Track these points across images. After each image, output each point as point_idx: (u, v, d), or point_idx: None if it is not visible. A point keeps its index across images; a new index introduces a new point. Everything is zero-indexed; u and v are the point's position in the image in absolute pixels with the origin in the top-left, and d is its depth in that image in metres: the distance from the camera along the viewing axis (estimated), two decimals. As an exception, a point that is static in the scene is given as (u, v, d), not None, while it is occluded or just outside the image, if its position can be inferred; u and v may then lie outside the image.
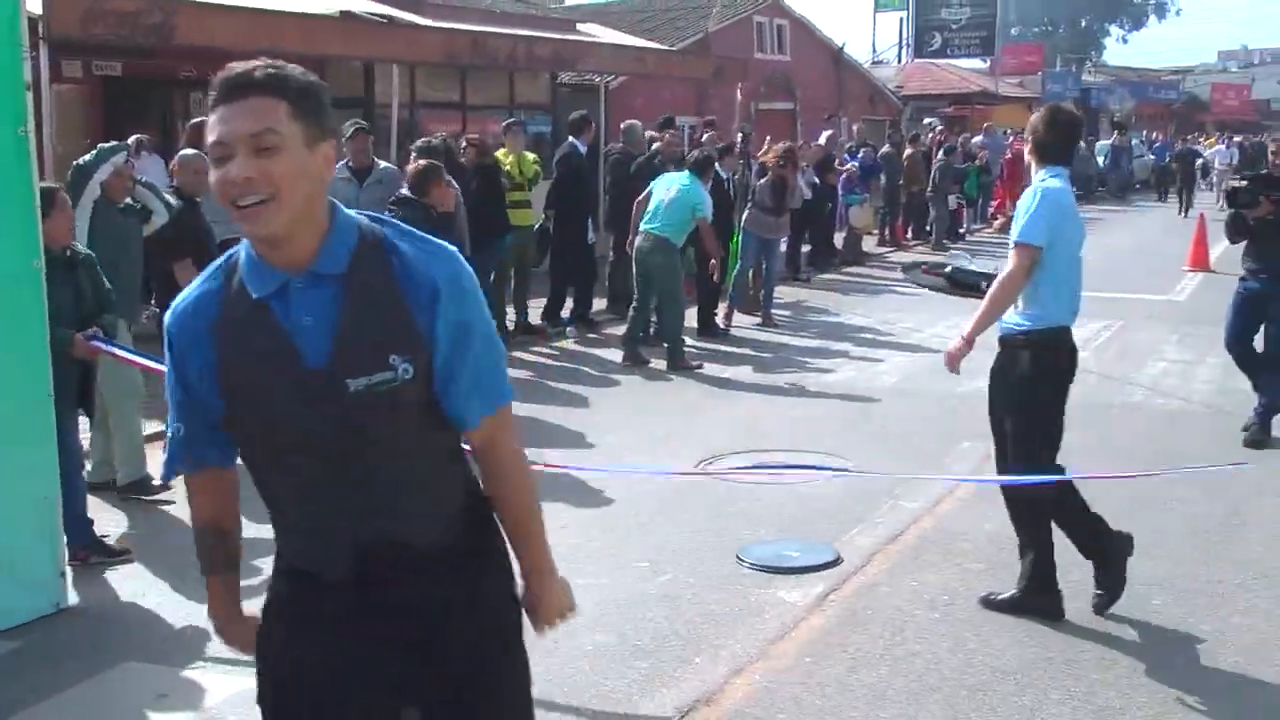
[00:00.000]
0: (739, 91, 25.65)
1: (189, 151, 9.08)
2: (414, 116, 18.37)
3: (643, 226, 12.58)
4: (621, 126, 15.31)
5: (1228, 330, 9.57)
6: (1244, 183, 9.46)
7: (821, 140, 21.69)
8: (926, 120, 34.17)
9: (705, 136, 17.13)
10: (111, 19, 11.93)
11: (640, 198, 12.91)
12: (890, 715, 5.07)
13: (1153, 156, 42.36)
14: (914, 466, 8.64)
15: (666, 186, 12.62)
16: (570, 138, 14.70)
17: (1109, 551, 5.99)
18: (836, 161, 21.26)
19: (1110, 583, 6.00)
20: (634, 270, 12.82)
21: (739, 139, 18.18)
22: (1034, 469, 5.86)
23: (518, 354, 12.60)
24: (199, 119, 11.48)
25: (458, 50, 16.37)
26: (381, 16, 16.27)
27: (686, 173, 12.74)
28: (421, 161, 9.95)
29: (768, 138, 19.63)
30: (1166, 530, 7.29)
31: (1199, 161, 36.92)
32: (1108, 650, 5.67)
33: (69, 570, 6.31)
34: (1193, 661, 5.59)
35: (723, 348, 13.48)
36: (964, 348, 6.02)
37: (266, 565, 2.84)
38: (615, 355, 12.94)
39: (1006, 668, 5.48)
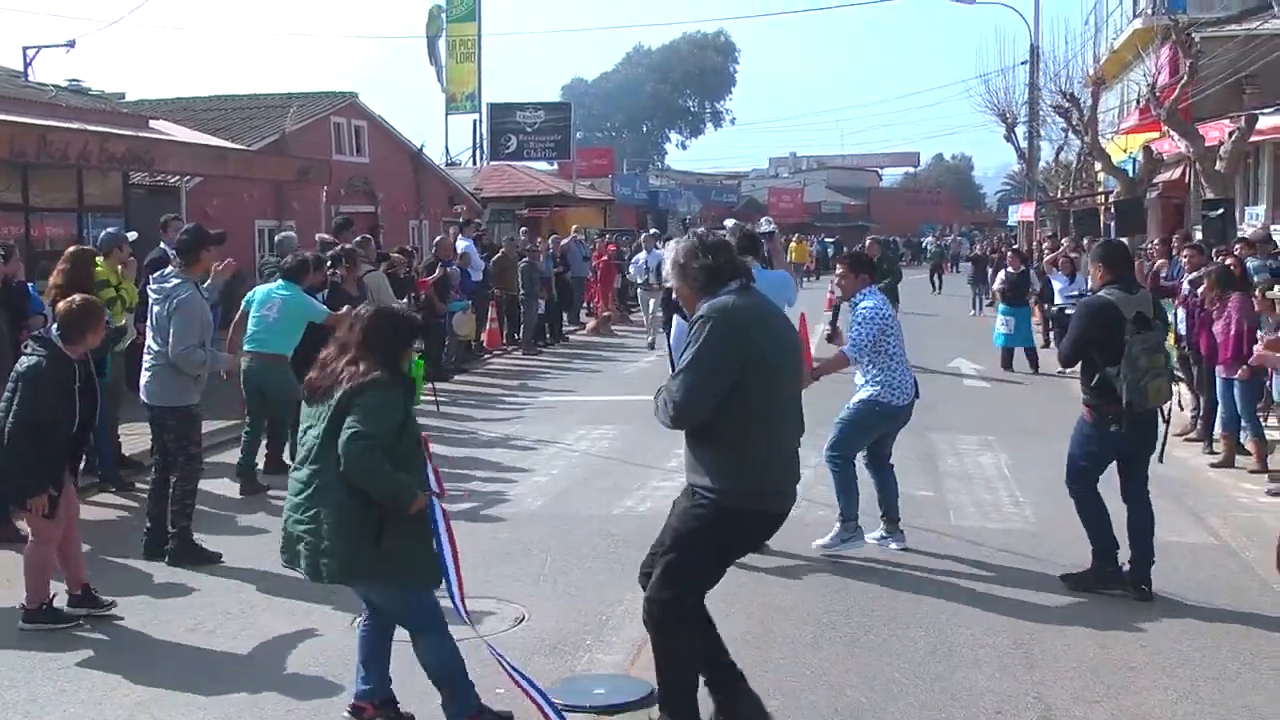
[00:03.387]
0: (325, 193, 24.70)
1: None
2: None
3: (247, 346, 11.67)
4: (276, 239, 14.31)
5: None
6: None
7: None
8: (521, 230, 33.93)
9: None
10: None
11: (237, 318, 12.03)
12: None
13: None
14: (590, 611, 7.86)
15: (264, 301, 11.81)
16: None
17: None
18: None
19: None
20: (243, 393, 11.84)
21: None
22: None
23: (106, 496, 11.19)
24: None
25: (23, 146, 14.69)
26: (-70, 108, 14.47)
27: (281, 282, 11.93)
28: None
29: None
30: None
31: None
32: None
33: None
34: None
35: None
36: None
37: None
38: (224, 488, 11.69)
39: None
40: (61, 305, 8.05)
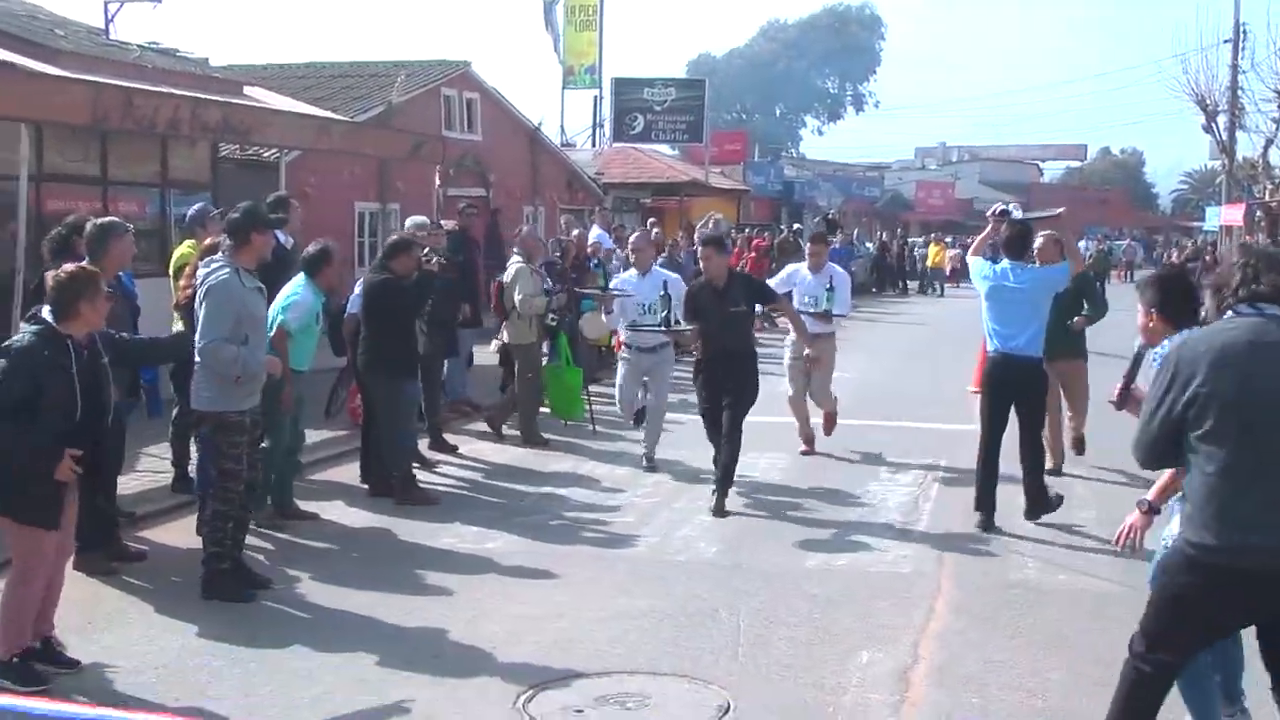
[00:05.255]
0: (437, 173, 23.96)
1: None
2: (40, 191, 15.77)
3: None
4: (408, 223, 13.72)
5: None
6: None
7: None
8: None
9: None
10: None
11: None
12: None
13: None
14: (810, 701, 6.83)
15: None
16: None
17: None
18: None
19: None
20: None
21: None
22: None
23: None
24: None
25: (106, 110, 13.90)
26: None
27: (303, 274, 10.67)
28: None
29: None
30: None
31: None
32: None
33: None
34: None
35: (463, 489, 11.48)
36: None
37: None
38: (337, 511, 10.88)
39: None
40: (50, 276, 7.35)
